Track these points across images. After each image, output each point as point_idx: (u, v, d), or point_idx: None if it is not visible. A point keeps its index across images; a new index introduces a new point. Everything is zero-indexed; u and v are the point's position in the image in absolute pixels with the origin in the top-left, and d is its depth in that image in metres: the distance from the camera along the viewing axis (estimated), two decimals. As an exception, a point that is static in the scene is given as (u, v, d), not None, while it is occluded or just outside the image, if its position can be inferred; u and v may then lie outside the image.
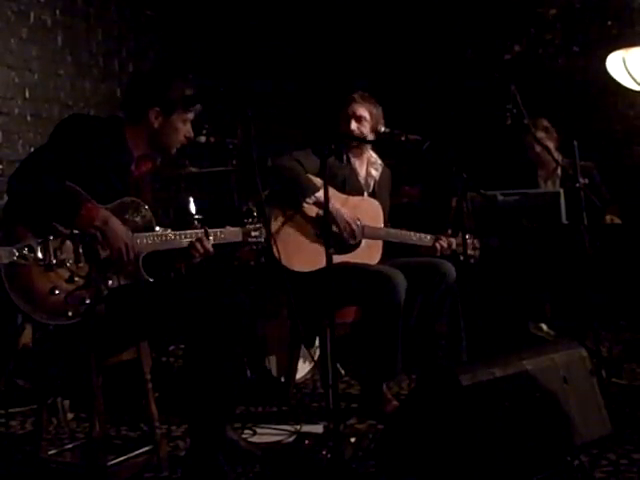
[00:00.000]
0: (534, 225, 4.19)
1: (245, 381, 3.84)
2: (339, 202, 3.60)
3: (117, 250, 2.66)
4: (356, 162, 3.79)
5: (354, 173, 3.78)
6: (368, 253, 3.68)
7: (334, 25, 5.86)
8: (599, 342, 3.55)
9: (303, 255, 3.53)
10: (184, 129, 2.92)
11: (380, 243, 3.74)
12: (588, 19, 5.37)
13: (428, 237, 3.74)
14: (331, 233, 3.50)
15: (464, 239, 3.48)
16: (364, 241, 3.67)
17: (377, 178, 3.84)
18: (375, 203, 3.78)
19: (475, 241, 3.77)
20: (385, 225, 3.79)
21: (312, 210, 3.58)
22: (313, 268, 3.50)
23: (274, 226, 3.50)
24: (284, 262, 3.34)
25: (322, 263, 3.47)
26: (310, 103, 5.69)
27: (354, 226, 3.59)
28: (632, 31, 5.16)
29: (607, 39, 5.17)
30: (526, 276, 4.57)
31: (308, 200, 3.53)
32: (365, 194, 3.80)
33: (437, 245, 3.73)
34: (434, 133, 3.60)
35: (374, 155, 3.87)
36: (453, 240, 3.77)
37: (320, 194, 3.48)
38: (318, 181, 3.54)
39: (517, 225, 4.20)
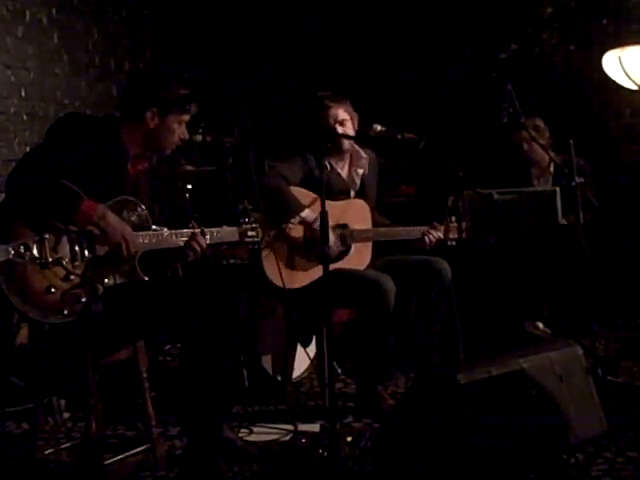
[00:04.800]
0: (530, 224, 4.19)
1: (241, 380, 3.84)
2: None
3: (116, 245, 2.66)
4: (338, 164, 3.73)
5: (336, 175, 3.70)
6: (358, 257, 3.66)
7: (332, 22, 5.85)
8: (595, 340, 3.56)
9: (295, 274, 3.50)
10: (179, 130, 2.91)
11: (370, 245, 3.71)
12: (584, 18, 5.37)
13: (416, 229, 3.71)
14: (315, 248, 3.48)
15: (459, 224, 3.46)
16: (353, 246, 3.64)
17: (366, 172, 3.78)
18: (361, 204, 3.73)
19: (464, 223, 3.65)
20: (373, 214, 3.75)
21: (299, 230, 3.52)
22: (305, 283, 3.50)
23: (264, 250, 3.43)
24: (276, 282, 3.32)
25: (314, 277, 3.49)
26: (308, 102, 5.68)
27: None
28: (628, 30, 5.16)
29: (603, 38, 5.17)
30: (523, 275, 4.57)
31: (293, 220, 3.46)
32: (352, 193, 3.75)
33: (426, 239, 3.69)
34: (430, 132, 3.59)
35: (359, 150, 3.76)
36: (441, 227, 3.73)
37: (305, 213, 3.48)
38: (303, 192, 3.52)
39: (513, 224, 4.20)
